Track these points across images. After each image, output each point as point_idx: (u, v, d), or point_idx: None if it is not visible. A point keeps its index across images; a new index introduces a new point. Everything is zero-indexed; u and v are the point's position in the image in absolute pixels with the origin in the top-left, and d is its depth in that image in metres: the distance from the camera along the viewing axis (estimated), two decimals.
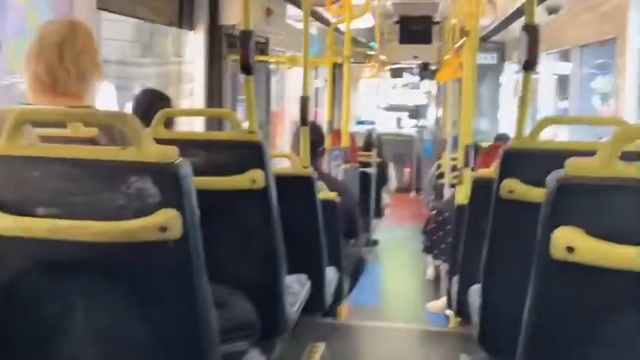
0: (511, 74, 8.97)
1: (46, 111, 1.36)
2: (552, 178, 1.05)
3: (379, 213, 7.32)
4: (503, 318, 1.81)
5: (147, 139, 1.16)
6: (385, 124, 11.14)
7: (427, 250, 5.00)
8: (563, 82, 6.39)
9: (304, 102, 2.54)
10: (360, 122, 9.89)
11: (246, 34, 1.75)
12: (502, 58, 9.10)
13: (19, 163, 1.18)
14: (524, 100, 1.75)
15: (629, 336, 1.03)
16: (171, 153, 1.15)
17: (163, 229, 1.12)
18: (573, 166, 1.04)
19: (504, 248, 1.82)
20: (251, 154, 1.82)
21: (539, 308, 1.10)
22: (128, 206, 1.14)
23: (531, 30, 1.64)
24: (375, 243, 7.20)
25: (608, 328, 1.04)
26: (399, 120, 11.83)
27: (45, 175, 1.17)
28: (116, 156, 1.16)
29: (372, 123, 9.02)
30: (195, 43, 4.05)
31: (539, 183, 1.69)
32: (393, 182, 8.03)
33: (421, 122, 11.67)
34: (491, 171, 2.64)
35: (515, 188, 1.70)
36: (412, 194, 10.81)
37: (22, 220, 1.14)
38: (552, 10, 5.02)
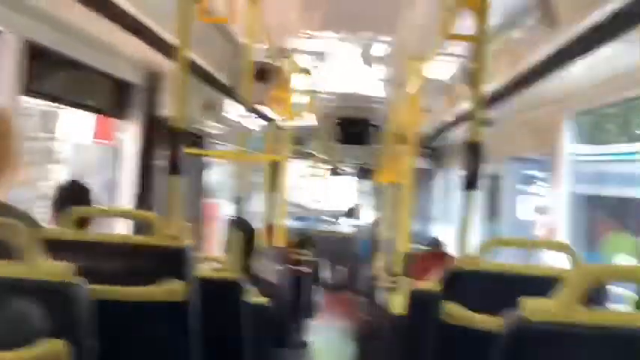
0: (442, 178, 9.19)
1: None
2: (509, 321, 0.94)
3: (311, 313, 7.09)
4: None
5: (39, 253, 0.98)
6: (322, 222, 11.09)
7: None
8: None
9: (238, 201, 2.42)
10: (298, 218, 9.80)
11: (176, 134, 1.63)
12: (436, 164, 9.35)
13: None
14: (467, 218, 1.67)
15: None
16: (66, 270, 0.97)
17: None
18: (531, 309, 0.93)
19: None
20: (172, 261, 1.64)
21: None
22: (8, 334, 0.94)
23: (473, 147, 1.59)
24: (304, 345, 6.90)
25: None
26: (336, 217, 11.80)
27: None
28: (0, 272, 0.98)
29: (309, 219, 8.94)
30: (130, 132, 3.89)
31: (485, 307, 1.60)
32: (327, 279, 7.88)
33: (357, 222, 11.68)
34: (429, 284, 2.55)
35: (459, 314, 1.59)
36: (349, 294, 10.62)
37: None
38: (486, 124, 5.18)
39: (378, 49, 4.55)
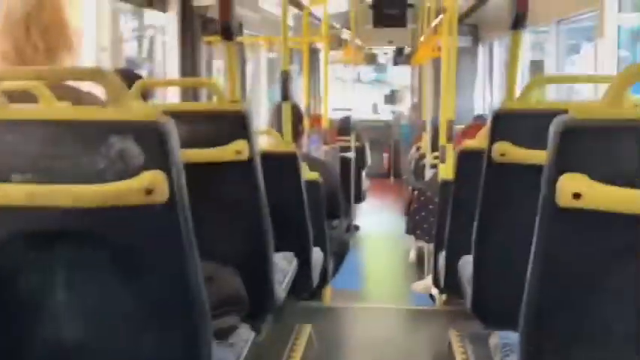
0: (485, 57, 9.00)
1: (16, 71, 1.27)
2: (557, 121, 1.01)
3: (360, 197, 7.29)
4: (499, 285, 1.79)
5: (128, 97, 1.09)
6: (361, 110, 11.09)
7: (410, 230, 4.99)
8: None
9: (285, 76, 2.48)
10: (336, 109, 9.83)
11: None
12: (476, 41, 9.12)
13: None
14: (514, 60, 1.71)
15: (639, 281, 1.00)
16: (154, 111, 1.08)
17: (149, 191, 1.05)
18: (578, 109, 1.00)
19: (497, 214, 1.78)
20: (235, 124, 1.75)
21: (546, 260, 1.07)
22: (110, 169, 1.07)
23: None
24: (356, 228, 7.17)
25: (619, 275, 1.00)
26: (375, 105, 11.79)
27: (19, 139, 1.09)
28: (95, 116, 1.09)
29: (349, 110, 8.97)
30: (168, 24, 3.95)
31: (531, 145, 1.66)
32: (369, 164, 8.02)
33: (397, 107, 11.65)
34: (476, 142, 2.61)
35: (507, 151, 1.66)
36: (391, 179, 10.81)
37: None
38: None
39: None
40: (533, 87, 1.70)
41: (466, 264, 2.14)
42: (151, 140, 1.07)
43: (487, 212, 1.81)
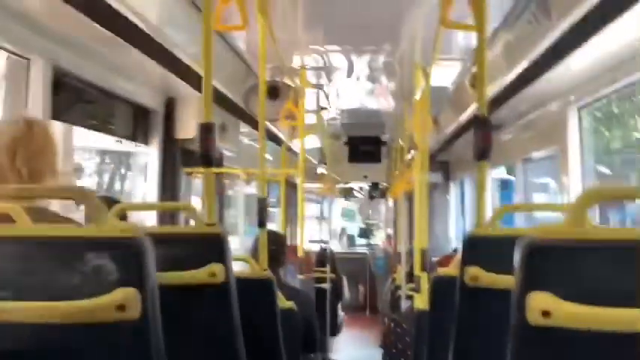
0: (457, 191, 9.29)
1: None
2: (522, 242, 1.05)
3: (336, 330, 7.13)
4: None
5: (106, 214, 1.11)
6: (337, 244, 11.17)
7: None
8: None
9: (262, 203, 2.54)
10: (313, 241, 9.89)
11: (207, 126, 1.76)
12: (447, 177, 9.46)
13: None
14: (481, 189, 1.79)
15: None
16: (131, 228, 1.10)
17: (121, 307, 1.05)
18: (543, 230, 1.05)
19: (472, 339, 1.78)
20: (210, 247, 1.76)
21: None
22: (84, 285, 1.07)
23: (482, 121, 1.71)
24: None
25: None
26: (351, 238, 11.90)
27: None
28: (71, 233, 1.11)
29: (325, 242, 9.04)
30: (150, 156, 4.06)
31: (502, 269, 1.70)
32: (347, 296, 7.93)
33: (372, 240, 11.77)
34: (450, 269, 2.64)
35: (478, 275, 1.69)
36: (367, 313, 10.65)
37: None
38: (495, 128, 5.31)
39: (383, 61, 4.70)
40: (500, 215, 1.77)
41: None
42: (126, 257, 1.08)
43: (462, 338, 1.81)
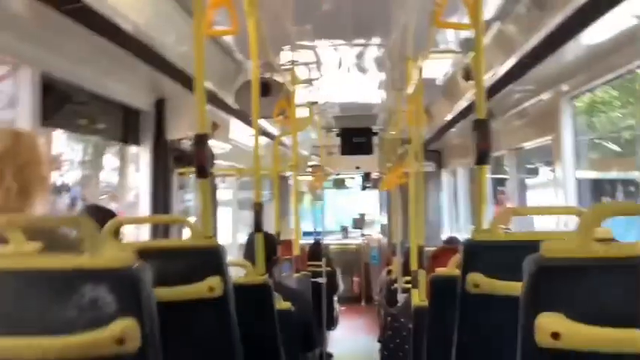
0: (450, 181, 9.30)
1: None
2: (530, 261, 1.03)
3: (332, 323, 7.13)
4: None
5: (102, 244, 1.08)
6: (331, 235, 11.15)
7: (384, 359, 4.84)
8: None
9: (257, 208, 2.51)
10: (308, 233, 9.88)
11: (202, 138, 1.73)
12: (439, 166, 9.48)
13: None
14: (480, 193, 1.77)
15: None
16: (128, 258, 1.07)
17: (120, 341, 1.02)
18: (550, 249, 1.02)
19: (475, 343, 1.76)
20: (208, 260, 1.73)
21: None
22: (80, 318, 1.04)
23: (481, 124, 1.68)
24: (330, 357, 6.95)
25: None
26: (344, 229, 11.88)
27: None
28: (66, 264, 1.08)
29: (318, 234, 9.02)
30: (141, 157, 4.02)
31: (503, 276, 1.68)
32: (341, 288, 7.94)
33: (366, 231, 11.76)
34: (448, 269, 2.62)
35: (480, 282, 1.67)
36: (363, 304, 10.67)
37: None
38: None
39: (374, 54, 4.66)
40: (501, 220, 1.75)
41: None
42: (124, 288, 1.05)
43: (465, 341, 1.79)
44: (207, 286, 1.68)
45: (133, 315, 1.04)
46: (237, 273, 2.64)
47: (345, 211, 12.57)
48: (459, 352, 1.82)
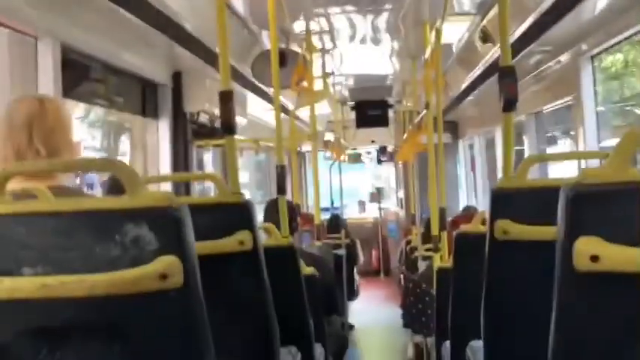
0: (466, 151, 9.25)
1: (32, 165, 1.28)
2: (567, 187, 1.03)
3: (353, 294, 7.19)
4: None
5: (141, 186, 1.10)
6: (349, 209, 11.17)
7: (408, 325, 4.89)
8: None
9: (281, 171, 2.52)
10: (324, 208, 9.93)
11: (227, 94, 1.74)
12: (456, 137, 9.42)
13: (2, 221, 1.10)
14: (508, 140, 1.77)
15: None
16: (167, 197, 1.09)
17: (164, 276, 1.04)
18: (587, 175, 1.03)
19: (505, 292, 1.77)
20: (237, 215, 1.76)
21: (566, 326, 1.05)
22: (124, 256, 1.06)
23: (507, 71, 1.68)
24: (351, 327, 7.01)
25: None
26: (362, 203, 11.90)
27: (31, 231, 1.09)
28: (108, 205, 1.10)
29: (336, 208, 9.05)
30: (160, 130, 4.04)
31: (532, 221, 1.69)
32: (362, 260, 7.98)
33: (383, 204, 11.77)
34: (472, 226, 2.63)
35: (509, 229, 1.68)
36: (382, 276, 10.73)
37: (6, 281, 1.04)
38: None
39: (387, 21, 4.62)
40: (528, 165, 1.75)
41: (476, 350, 2.09)
42: (165, 226, 1.07)
43: (494, 291, 1.80)
44: (237, 240, 1.71)
45: (174, 252, 1.06)
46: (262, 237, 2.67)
47: (363, 185, 12.57)
48: (488, 303, 1.83)
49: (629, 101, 4.78)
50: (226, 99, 1.74)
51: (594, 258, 0.98)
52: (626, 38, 3.47)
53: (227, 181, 1.93)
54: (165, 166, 3.99)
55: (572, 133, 4.69)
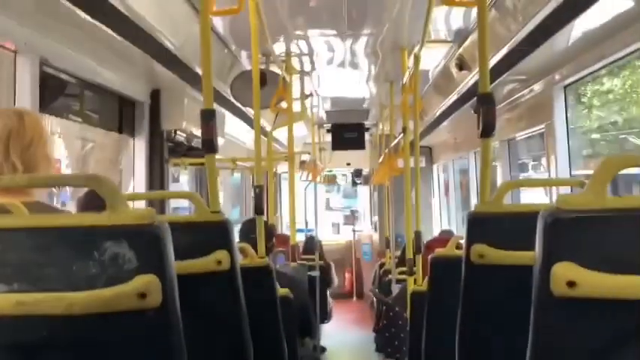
0: (440, 176, 9.36)
1: (11, 180, 1.26)
2: (546, 212, 1.05)
3: (326, 316, 7.15)
4: None
5: (122, 203, 1.09)
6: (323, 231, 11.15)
7: (380, 349, 4.88)
8: None
9: (258, 191, 2.52)
10: (299, 230, 9.90)
11: (209, 113, 1.74)
12: (430, 162, 9.54)
13: None
14: (486, 165, 1.79)
15: None
16: (149, 215, 1.08)
17: (142, 295, 1.03)
18: (566, 201, 1.05)
19: (480, 316, 1.78)
20: (216, 234, 1.75)
21: (542, 351, 1.06)
22: (102, 274, 1.05)
23: (486, 97, 1.71)
24: (323, 350, 6.96)
25: None
26: (336, 225, 11.90)
27: (7, 247, 1.07)
28: (87, 221, 1.09)
29: (310, 230, 9.03)
30: (137, 148, 4.02)
31: (508, 246, 1.71)
32: (336, 283, 7.96)
33: (357, 227, 11.78)
34: (447, 250, 2.65)
35: (485, 253, 1.69)
36: (354, 299, 10.70)
37: None
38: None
39: (366, 46, 4.68)
40: (505, 191, 1.77)
41: None
42: (146, 244, 1.06)
43: (469, 315, 1.81)
44: (215, 260, 1.70)
45: (154, 271, 1.05)
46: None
47: (336, 207, 12.59)
48: (463, 327, 1.83)
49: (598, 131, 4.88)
50: (208, 117, 1.74)
51: (571, 284, 1.00)
52: (598, 69, 3.57)
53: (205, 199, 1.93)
54: (140, 184, 3.96)
55: (542, 160, 4.77)
